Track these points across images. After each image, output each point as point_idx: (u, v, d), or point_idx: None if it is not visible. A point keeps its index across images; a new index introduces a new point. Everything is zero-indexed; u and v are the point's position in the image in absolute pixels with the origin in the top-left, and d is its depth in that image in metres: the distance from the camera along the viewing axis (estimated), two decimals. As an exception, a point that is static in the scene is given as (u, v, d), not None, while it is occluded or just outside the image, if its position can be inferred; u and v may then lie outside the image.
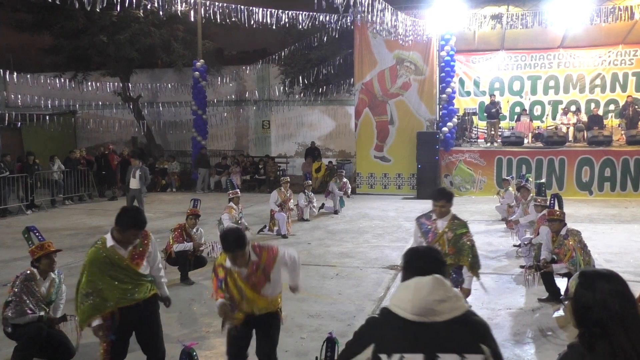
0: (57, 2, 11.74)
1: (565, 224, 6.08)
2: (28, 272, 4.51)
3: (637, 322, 1.84)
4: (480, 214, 12.84)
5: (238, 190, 9.26)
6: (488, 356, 1.99)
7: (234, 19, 15.31)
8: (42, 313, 4.45)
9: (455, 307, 2.00)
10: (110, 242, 3.86)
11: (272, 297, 3.81)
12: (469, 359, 1.95)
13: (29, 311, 4.37)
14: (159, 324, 4.09)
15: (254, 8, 15.21)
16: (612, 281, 1.90)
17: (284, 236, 10.31)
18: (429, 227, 4.77)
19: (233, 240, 3.53)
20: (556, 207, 6.21)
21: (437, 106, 17.06)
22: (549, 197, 6.83)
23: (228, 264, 3.67)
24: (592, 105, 18.23)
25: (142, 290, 3.94)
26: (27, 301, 4.38)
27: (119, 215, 3.87)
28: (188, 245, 7.24)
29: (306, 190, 12.53)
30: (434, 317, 1.97)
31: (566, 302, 5.42)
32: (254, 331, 3.89)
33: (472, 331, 2.01)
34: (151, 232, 4.16)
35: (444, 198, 4.71)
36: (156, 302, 4.11)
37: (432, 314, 1.97)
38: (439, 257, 2.31)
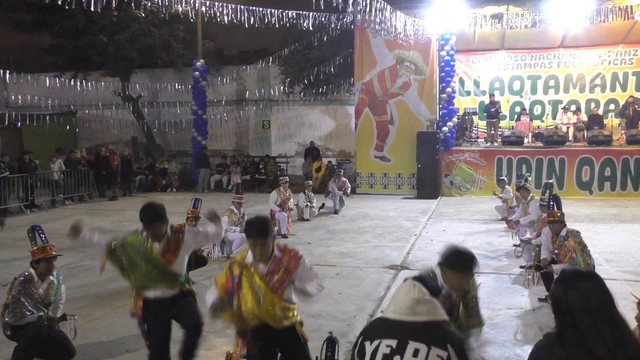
0: (58, 2, 11.70)
1: (565, 225, 6.08)
2: (26, 273, 4.51)
3: (606, 315, 2.00)
4: (481, 214, 12.84)
5: (243, 196, 9.28)
6: (452, 356, 2.14)
7: (233, 19, 15.29)
8: (42, 313, 4.45)
9: (434, 313, 2.23)
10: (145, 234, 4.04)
11: (290, 305, 3.54)
12: (434, 351, 2.13)
13: (28, 313, 4.37)
14: (190, 304, 4.15)
15: (254, 8, 15.21)
16: (586, 278, 2.10)
17: (284, 236, 10.31)
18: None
19: (259, 226, 3.44)
20: (555, 209, 6.20)
21: (437, 106, 17.05)
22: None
23: (249, 259, 3.49)
24: (592, 105, 18.22)
25: (173, 286, 4.05)
26: (25, 303, 4.38)
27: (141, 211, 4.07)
28: None
29: (306, 190, 12.53)
30: (412, 317, 2.20)
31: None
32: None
33: (445, 335, 2.20)
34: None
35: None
36: (189, 297, 4.15)
37: (410, 313, 2.20)
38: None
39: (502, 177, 12.25)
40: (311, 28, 15.97)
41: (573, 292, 2.04)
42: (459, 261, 3.27)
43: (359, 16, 14.76)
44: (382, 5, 13.00)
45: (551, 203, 6.30)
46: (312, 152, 20.11)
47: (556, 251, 6.01)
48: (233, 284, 3.48)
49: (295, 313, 3.63)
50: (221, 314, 3.54)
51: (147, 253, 3.95)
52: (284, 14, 15.51)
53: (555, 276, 6.11)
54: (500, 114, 17.84)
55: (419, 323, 2.18)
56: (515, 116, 18.28)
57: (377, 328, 2.32)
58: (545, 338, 2.10)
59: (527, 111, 18.25)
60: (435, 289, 3.18)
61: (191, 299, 4.19)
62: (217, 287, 3.58)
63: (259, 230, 3.42)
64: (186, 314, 4.09)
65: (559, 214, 6.06)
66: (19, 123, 18.80)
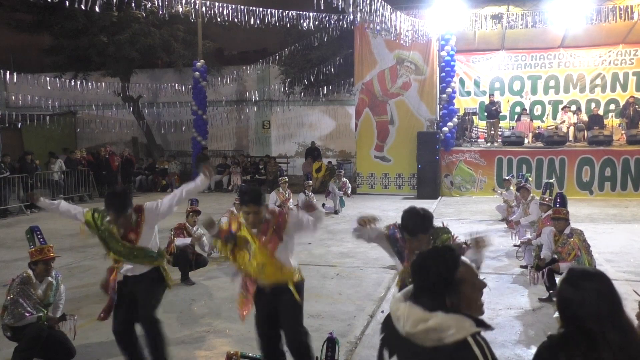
0: (57, 1, 11.71)
1: (569, 223, 6.10)
2: (24, 274, 4.50)
3: (614, 320, 1.92)
4: (481, 214, 12.84)
5: None
6: None
7: (234, 19, 15.29)
8: (41, 314, 4.44)
9: (444, 337, 1.79)
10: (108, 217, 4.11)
11: (283, 265, 3.70)
12: None
13: (27, 314, 4.36)
14: (150, 292, 4.15)
15: (254, 8, 15.21)
16: (595, 280, 2.00)
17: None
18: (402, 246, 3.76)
19: (252, 194, 3.66)
20: (560, 206, 6.20)
21: (438, 106, 17.05)
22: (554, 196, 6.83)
23: (242, 221, 3.73)
24: (593, 105, 18.22)
25: (143, 261, 4.12)
26: (24, 304, 4.38)
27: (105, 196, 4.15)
28: (188, 240, 7.25)
29: (306, 191, 12.51)
30: (419, 342, 1.84)
31: (553, 294, 5.44)
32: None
33: None
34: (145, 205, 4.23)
35: None
36: (151, 275, 4.16)
37: (415, 339, 1.85)
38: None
39: (506, 177, 12.23)
40: (312, 28, 15.97)
41: (582, 294, 1.96)
42: (408, 225, 3.41)
43: (359, 16, 14.75)
44: (382, 5, 12.99)
45: (558, 200, 6.31)
46: (312, 153, 20.11)
47: (559, 249, 6.01)
48: (231, 235, 3.73)
49: (292, 273, 3.76)
50: (216, 240, 3.77)
51: (110, 235, 4.07)
52: (284, 14, 15.51)
53: (561, 273, 6.10)
54: (501, 114, 17.84)
55: (428, 349, 1.83)
56: (516, 116, 18.29)
57: (393, 339, 1.99)
58: (549, 339, 2.04)
59: (528, 111, 18.25)
60: None
61: (153, 284, 4.18)
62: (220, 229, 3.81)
63: (253, 198, 3.62)
64: (140, 306, 4.12)
65: (564, 212, 6.08)
66: (19, 123, 18.81)
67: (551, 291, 6.16)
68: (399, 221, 3.65)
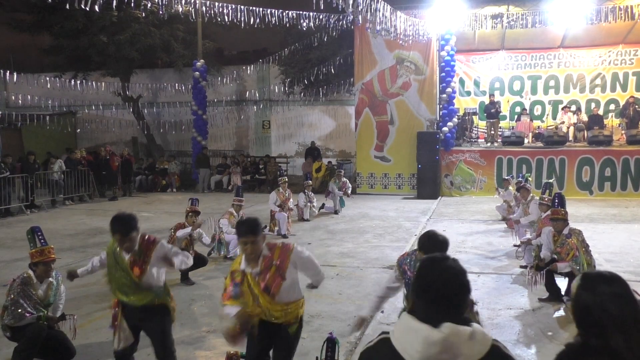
0: (57, 1, 11.71)
1: (568, 224, 6.10)
2: (25, 275, 4.50)
3: (636, 326, 1.81)
4: (481, 214, 12.84)
5: (243, 199, 9.26)
6: None
7: (234, 19, 15.29)
8: (41, 313, 4.44)
9: (470, 354, 1.75)
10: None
11: (289, 304, 3.61)
12: None
13: (27, 314, 4.36)
14: (162, 331, 4.06)
15: (254, 8, 15.21)
16: (613, 284, 1.87)
17: (284, 236, 10.30)
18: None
19: (249, 224, 3.54)
20: (559, 207, 6.21)
21: (437, 106, 17.04)
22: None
23: (242, 265, 3.59)
24: (593, 105, 18.22)
25: (138, 298, 3.97)
26: (25, 305, 4.38)
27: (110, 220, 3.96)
28: (188, 229, 7.28)
29: (306, 190, 12.52)
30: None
31: (568, 303, 5.44)
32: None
33: None
34: (158, 239, 4.12)
35: None
36: (156, 311, 4.04)
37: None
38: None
39: (506, 177, 12.25)
40: (312, 28, 15.97)
41: (601, 299, 1.82)
42: (429, 250, 3.34)
43: (359, 16, 14.76)
44: (382, 5, 12.99)
45: (556, 201, 6.31)
46: (312, 152, 20.11)
47: (558, 249, 6.02)
48: (237, 290, 3.58)
49: (299, 310, 3.72)
50: (247, 320, 3.47)
51: (119, 262, 3.95)
52: (284, 14, 15.51)
53: (560, 273, 6.09)
54: (501, 114, 17.85)
55: None
56: (516, 116, 18.29)
57: None
58: (568, 348, 1.92)
59: (528, 111, 18.25)
60: None
61: (162, 321, 4.09)
62: (228, 301, 3.57)
63: (250, 227, 3.51)
64: (155, 341, 4.06)
65: (562, 212, 6.09)
66: (19, 123, 18.82)
67: (549, 292, 6.17)
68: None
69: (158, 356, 4.07)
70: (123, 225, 3.85)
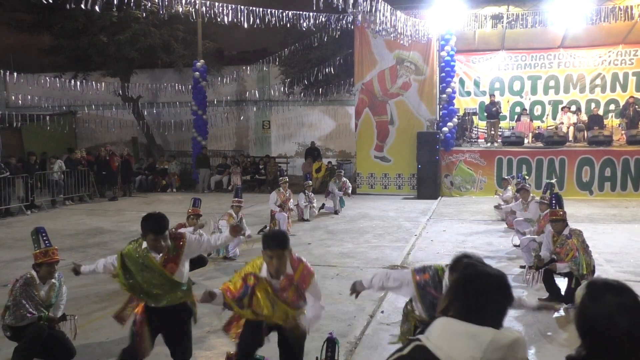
0: (58, 1, 11.71)
1: (567, 224, 6.10)
2: (28, 275, 4.50)
3: None
4: (481, 214, 12.85)
5: (242, 200, 9.25)
6: None
7: (233, 19, 15.28)
8: (42, 314, 4.44)
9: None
10: (145, 244, 3.90)
11: (299, 310, 3.77)
12: None
13: (29, 315, 4.36)
14: (185, 331, 4.07)
15: (254, 8, 15.20)
16: (620, 294, 1.75)
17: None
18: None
19: (279, 238, 3.58)
20: (557, 207, 6.21)
21: (437, 106, 17.05)
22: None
23: (263, 273, 3.63)
24: (593, 105, 18.23)
25: (171, 297, 3.93)
26: (27, 305, 4.37)
27: (142, 220, 3.89)
28: (190, 230, 7.28)
29: (306, 191, 12.52)
30: None
31: (570, 310, 5.42)
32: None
33: None
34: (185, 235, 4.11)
35: None
36: (184, 310, 4.05)
37: None
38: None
39: (506, 177, 12.26)
40: (312, 28, 15.96)
41: (610, 312, 1.71)
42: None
43: (359, 16, 14.76)
44: (382, 5, 12.99)
45: (553, 202, 6.30)
46: (312, 153, 20.11)
47: (557, 249, 6.01)
48: (246, 292, 3.64)
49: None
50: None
51: (148, 263, 3.86)
52: (284, 14, 15.50)
53: (559, 274, 6.07)
54: (501, 114, 17.85)
55: None
56: (516, 116, 18.29)
57: None
58: None
59: (528, 111, 18.26)
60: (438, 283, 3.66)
61: (187, 322, 4.09)
62: (225, 296, 3.69)
63: (280, 242, 3.55)
64: (176, 346, 4.05)
65: (561, 213, 6.08)
66: (19, 123, 18.81)
67: (549, 293, 6.17)
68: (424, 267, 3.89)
69: (176, 358, 4.06)
70: (157, 224, 3.79)
